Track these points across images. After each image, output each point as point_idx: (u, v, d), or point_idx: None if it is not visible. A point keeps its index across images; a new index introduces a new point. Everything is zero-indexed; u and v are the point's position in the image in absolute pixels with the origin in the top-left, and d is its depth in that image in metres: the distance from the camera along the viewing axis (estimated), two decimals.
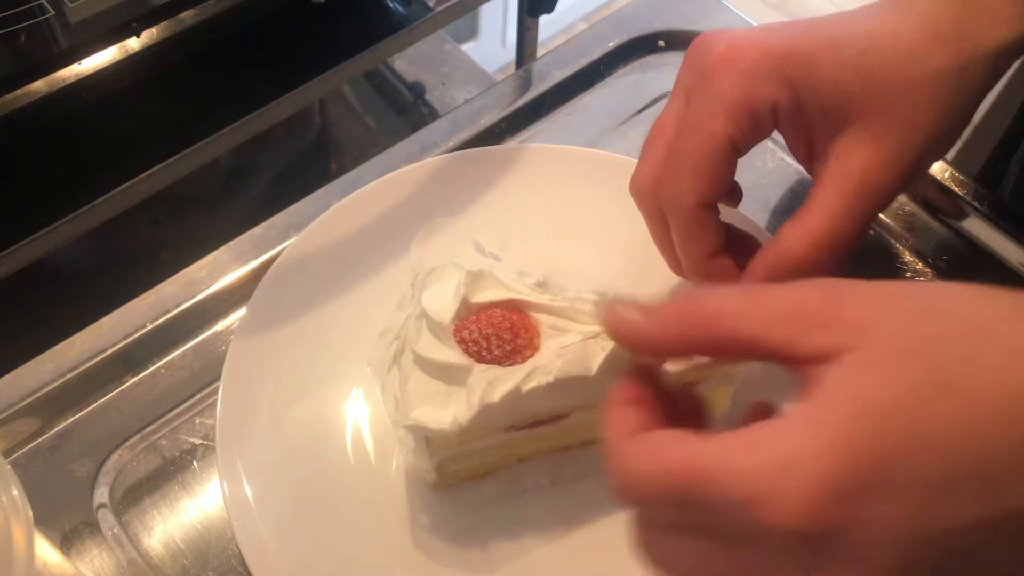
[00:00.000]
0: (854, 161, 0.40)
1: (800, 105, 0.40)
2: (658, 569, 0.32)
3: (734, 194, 0.47)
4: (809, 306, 0.30)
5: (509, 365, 0.41)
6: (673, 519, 0.31)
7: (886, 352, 0.28)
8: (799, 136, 0.42)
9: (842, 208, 0.40)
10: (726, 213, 0.44)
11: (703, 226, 0.41)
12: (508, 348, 0.41)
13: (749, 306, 0.31)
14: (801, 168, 0.47)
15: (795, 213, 0.41)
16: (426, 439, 0.42)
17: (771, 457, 0.28)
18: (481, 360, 0.41)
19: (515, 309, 0.42)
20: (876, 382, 0.28)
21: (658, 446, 0.30)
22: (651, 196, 0.43)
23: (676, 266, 0.46)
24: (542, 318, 0.43)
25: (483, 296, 0.43)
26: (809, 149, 0.43)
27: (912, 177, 0.41)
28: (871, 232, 0.57)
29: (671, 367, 0.42)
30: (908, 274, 0.55)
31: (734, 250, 0.43)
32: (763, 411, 0.32)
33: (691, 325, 0.32)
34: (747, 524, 0.28)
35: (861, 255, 0.56)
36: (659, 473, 0.30)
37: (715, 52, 0.41)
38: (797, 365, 0.30)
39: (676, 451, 0.30)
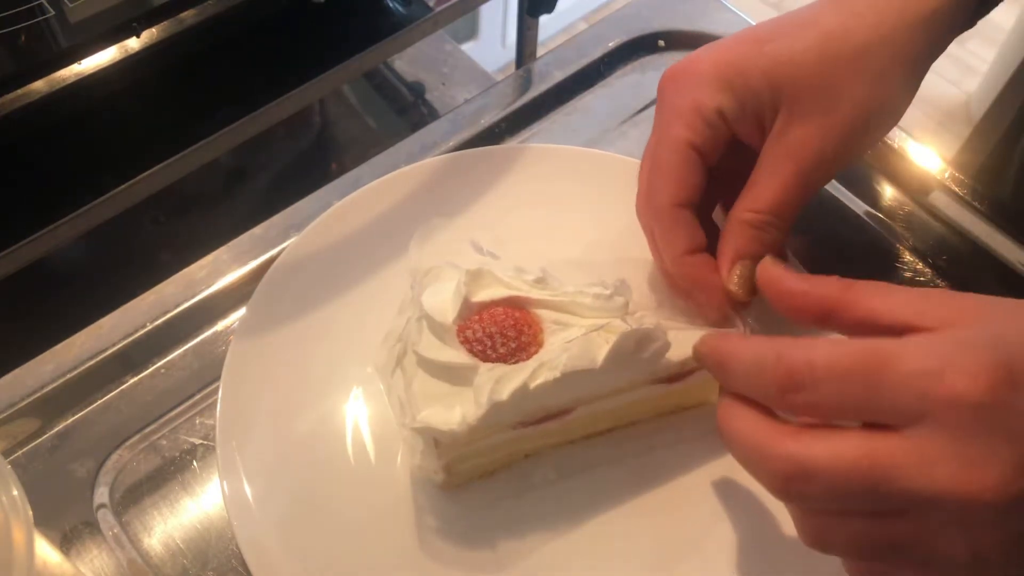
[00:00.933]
0: (786, 138, 0.43)
1: (742, 105, 0.43)
2: (820, 547, 0.36)
3: None
4: (930, 295, 0.35)
5: (515, 362, 0.41)
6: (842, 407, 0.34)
7: (997, 317, 0.34)
8: (753, 134, 0.45)
9: (780, 182, 0.43)
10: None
11: (677, 223, 0.44)
12: (513, 345, 0.41)
13: (886, 289, 0.36)
14: None
15: (744, 189, 0.44)
16: (435, 440, 0.42)
17: (944, 344, 0.32)
18: (486, 359, 0.41)
19: (517, 306, 0.43)
20: (1005, 322, 0.33)
21: (826, 341, 0.35)
22: (644, 212, 0.46)
23: (669, 276, 0.47)
24: (544, 314, 0.43)
25: (484, 295, 0.43)
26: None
27: (856, 146, 0.44)
28: (871, 231, 0.57)
29: (673, 355, 0.42)
30: (908, 274, 0.55)
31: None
32: None
33: (838, 288, 0.37)
34: (924, 397, 0.32)
35: (861, 254, 0.56)
36: (837, 357, 0.33)
37: (666, 77, 0.46)
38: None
39: (852, 344, 0.34)
